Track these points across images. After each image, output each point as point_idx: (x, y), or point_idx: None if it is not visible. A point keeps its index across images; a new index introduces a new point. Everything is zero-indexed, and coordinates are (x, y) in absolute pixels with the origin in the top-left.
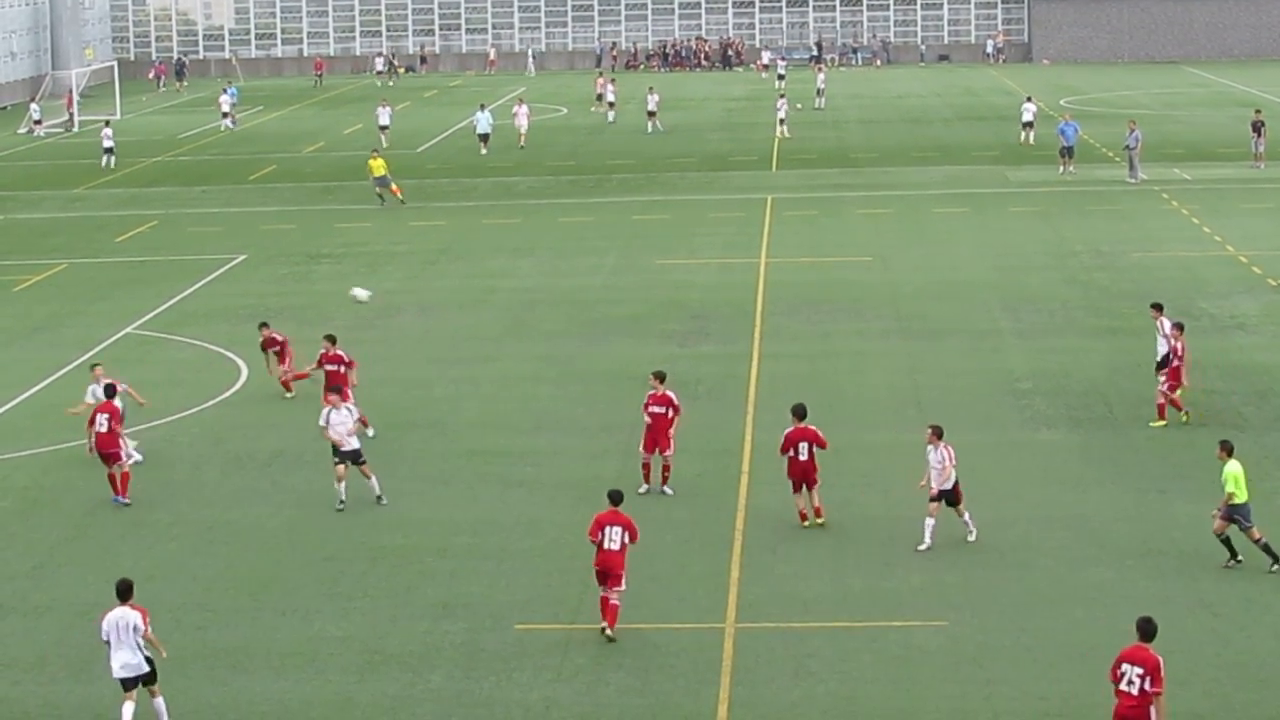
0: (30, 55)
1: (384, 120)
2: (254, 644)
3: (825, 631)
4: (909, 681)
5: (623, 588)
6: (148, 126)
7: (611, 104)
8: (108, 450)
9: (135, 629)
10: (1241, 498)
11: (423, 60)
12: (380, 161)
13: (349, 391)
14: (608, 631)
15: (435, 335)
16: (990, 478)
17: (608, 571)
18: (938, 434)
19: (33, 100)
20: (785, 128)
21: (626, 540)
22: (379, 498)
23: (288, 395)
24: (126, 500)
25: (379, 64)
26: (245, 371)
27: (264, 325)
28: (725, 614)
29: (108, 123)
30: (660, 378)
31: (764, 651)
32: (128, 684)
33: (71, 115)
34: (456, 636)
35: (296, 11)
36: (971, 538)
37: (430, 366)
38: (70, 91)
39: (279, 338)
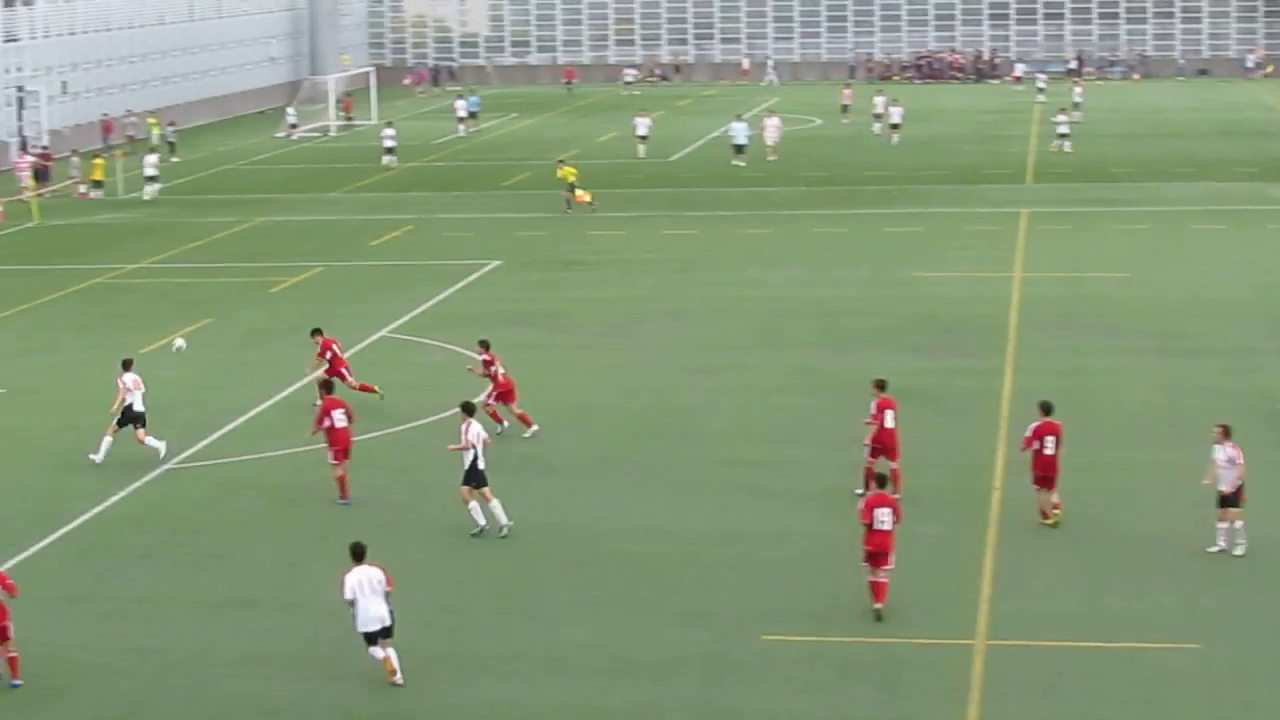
0: (289, 60)
1: (641, 130)
2: (502, 648)
3: (1076, 650)
4: (1162, 704)
5: (890, 566)
6: (404, 132)
7: (896, 126)
8: (344, 445)
9: (381, 582)
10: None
11: (676, 69)
12: (570, 169)
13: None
14: (878, 608)
15: (686, 344)
16: (1248, 498)
17: (880, 552)
18: (1226, 433)
19: (290, 104)
20: (1068, 142)
21: (894, 521)
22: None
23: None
24: (333, 499)
25: (628, 75)
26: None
27: (316, 332)
28: (975, 630)
29: (390, 123)
30: (881, 385)
31: (1013, 669)
32: (377, 636)
33: (348, 119)
34: (704, 645)
35: (551, 19)
36: (1239, 550)
37: (681, 375)
38: (347, 95)
39: (328, 344)
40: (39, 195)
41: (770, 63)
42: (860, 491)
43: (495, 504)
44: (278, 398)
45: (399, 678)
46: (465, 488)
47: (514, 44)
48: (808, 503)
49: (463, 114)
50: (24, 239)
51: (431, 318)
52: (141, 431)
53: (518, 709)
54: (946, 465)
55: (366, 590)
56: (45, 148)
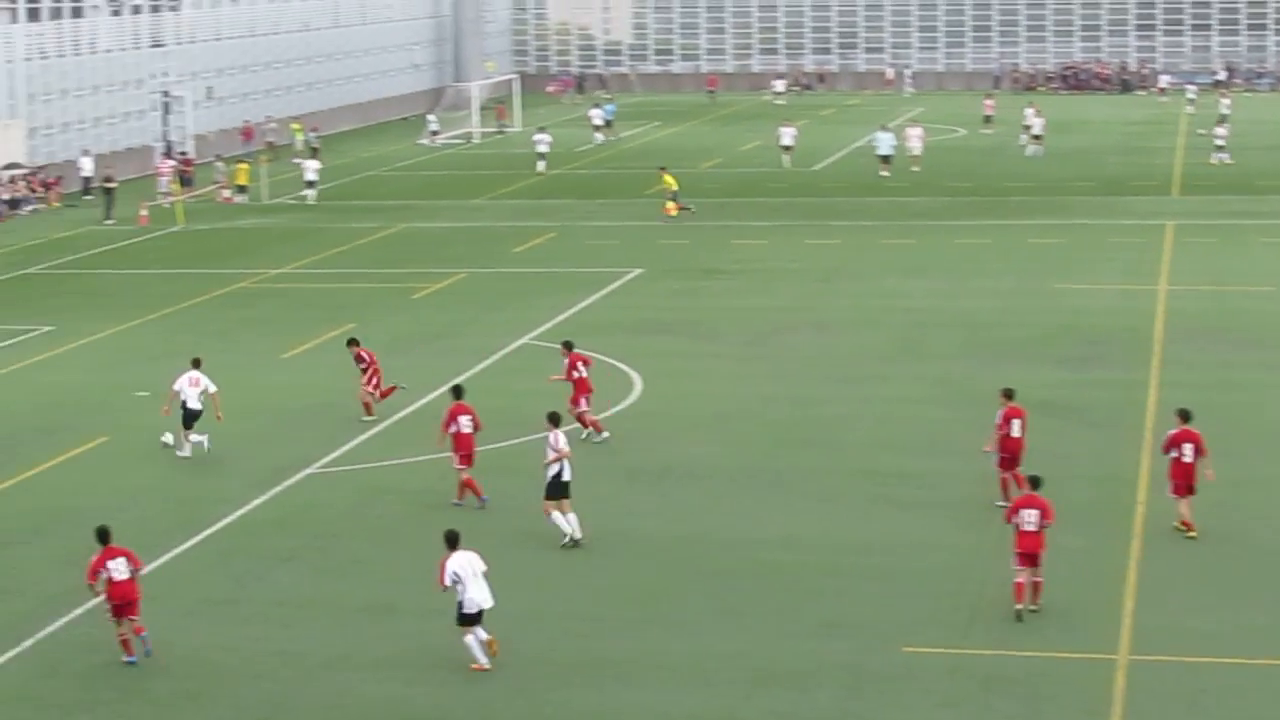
0: (433, 67)
1: (786, 140)
2: (642, 655)
3: (1221, 667)
4: None
5: (1038, 567)
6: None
7: (1038, 136)
8: (468, 450)
9: (476, 566)
10: None
11: (820, 79)
12: (671, 178)
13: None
14: (1031, 608)
15: (827, 353)
16: None
17: (1028, 553)
18: None
19: (431, 111)
20: (1227, 154)
21: (1043, 522)
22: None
23: (365, 418)
24: (468, 504)
25: (777, 85)
26: (639, 384)
27: (353, 342)
28: (1118, 644)
29: (543, 129)
30: (1009, 395)
31: (1157, 685)
32: (476, 619)
33: (502, 126)
34: (843, 656)
35: (694, 28)
36: None
37: (822, 385)
38: (500, 103)
39: (366, 355)
40: (183, 200)
41: (907, 72)
42: (1001, 503)
43: (571, 516)
44: (419, 403)
45: (486, 663)
46: (548, 501)
47: (657, 52)
48: (948, 514)
49: (599, 122)
50: (168, 243)
51: (573, 325)
52: (186, 432)
53: (657, 717)
54: (1089, 478)
55: (470, 574)
56: (185, 153)
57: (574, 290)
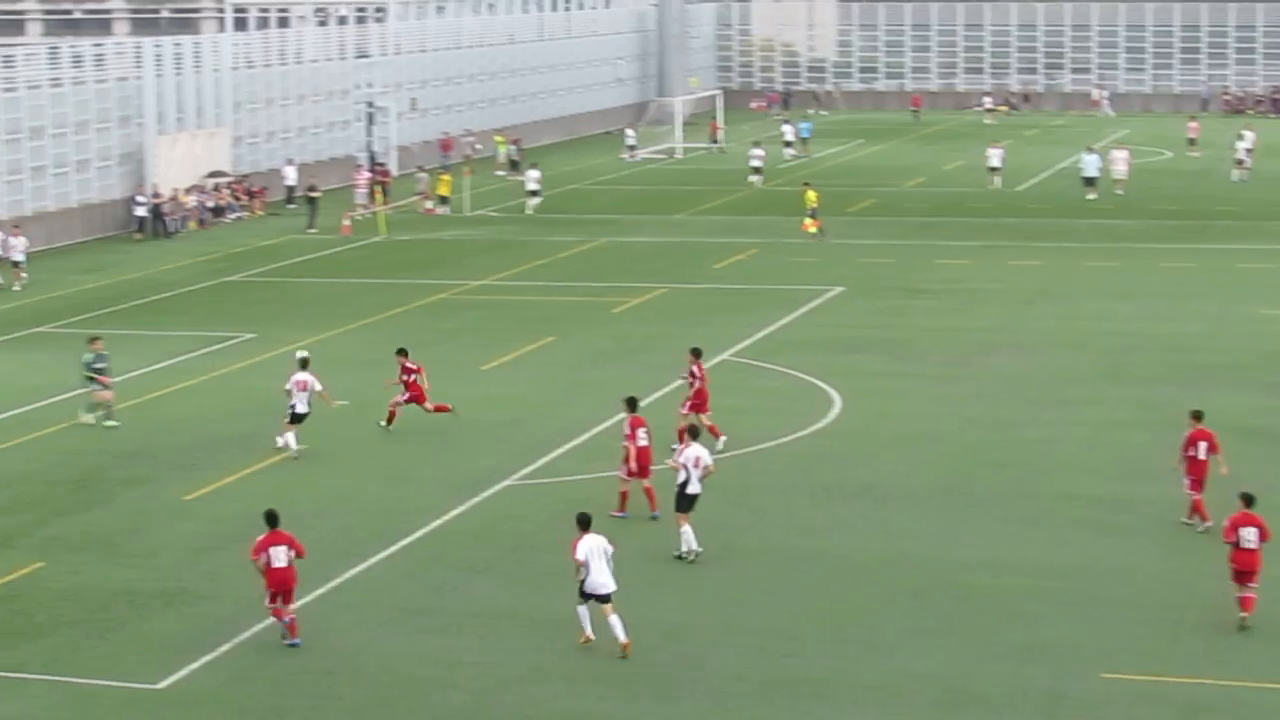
0: (637, 82)
1: (994, 162)
2: (837, 675)
3: None
4: None
5: (1256, 584)
6: (741, 156)
7: (1240, 161)
8: (644, 463)
9: (607, 551)
10: None
11: (1025, 98)
12: (813, 193)
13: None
14: (1243, 617)
15: (1030, 376)
16: None
17: (1247, 570)
18: None
19: (630, 126)
20: None
21: (1261, 540)
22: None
23: (383, 424)
24: (656, 513)
25: (987, 102)
26: (839, 402)
27: (401, 352)
28: None
29: (758, 143)
30: (1197, 417)
31: None
32: (604, 599)
33: (713, 141)
34: (1040, 681)
35: (899, 46)
36: None
37: (1024, 407)
38: (713, 119)
39: (412, 367)
40: (385, 210)
41: (1105, 94)
42: (1186, 521)
43: (687, 529)
44: (618, 417)
45: (623, 639)
46: (678, 514)
47: (861, 70)
48: (1149, 539)
49: (790, 138)
50: (370, 253)
51: (773, 343)
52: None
53: None
54: None
55: (596, 556)
56: (383, 165)
57: (774, 307)
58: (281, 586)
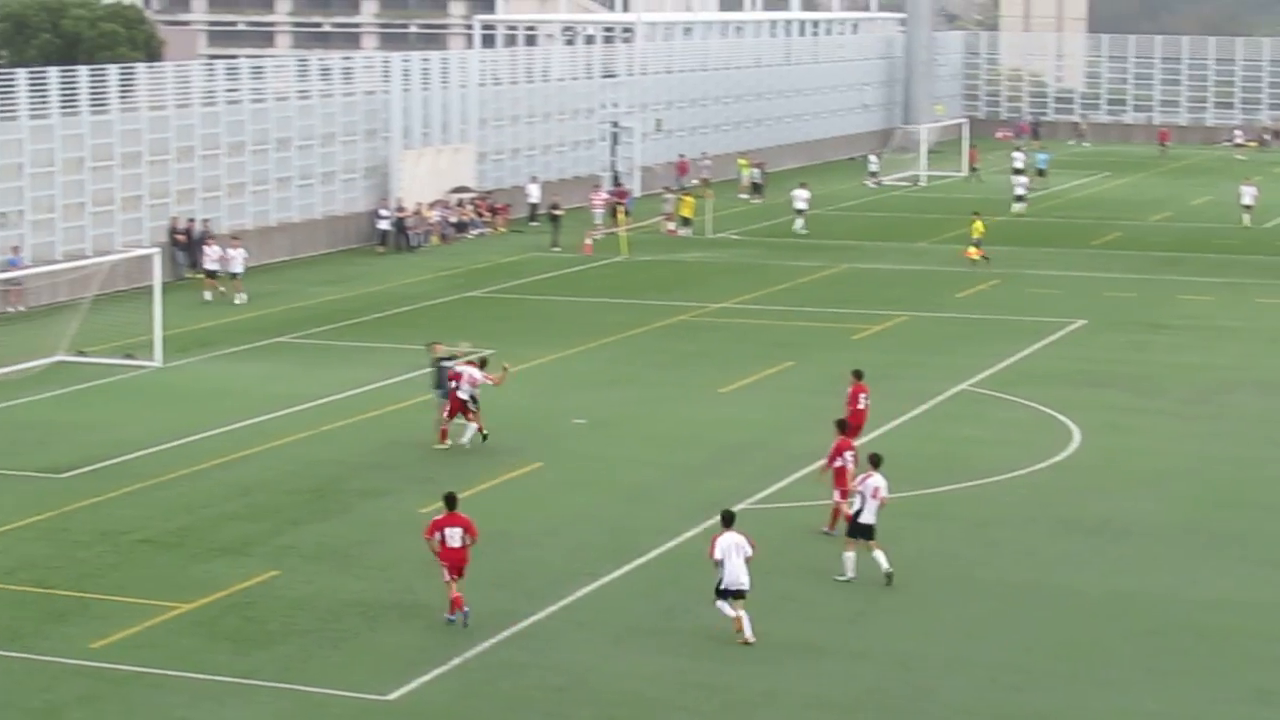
0: (882, 108)
1: (1247, 199)
2: (1067, 710)
3: None
4: None
5: None
6: (995, 185)
7: None
8: (845, 484)
9: (741, 548)
10: None
11: (1276, 134)
12: (980, 224)
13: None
14: None
15: (1273, 415)
16: None
17: None
18: None
19: (873, 152)
20: None
21: None
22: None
23: (439, 446)
24: (831, 532)
25: (1238, 136)
26: (1077, 436)
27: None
28: None
29: (1020, 171)
30: None
31: None
32: (734, 594)
33: (973, 169)
34: None
35: (1148, 79)
36: None
37: (1266, 446)
38: (973, 146)
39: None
40: (627, 230)
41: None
42: None
43: (850, 556)
44: (861, 443)
45: (748, 636)
46: (847, 539)
47: (1109, 102)
48: None
49: (1019, 165)
50: (612, 272)
51: (1013, 374)
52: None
53: None
54: None
55: (733, 554)
56: (620, 186)
57: (1015, 339)
58: (454, 564)
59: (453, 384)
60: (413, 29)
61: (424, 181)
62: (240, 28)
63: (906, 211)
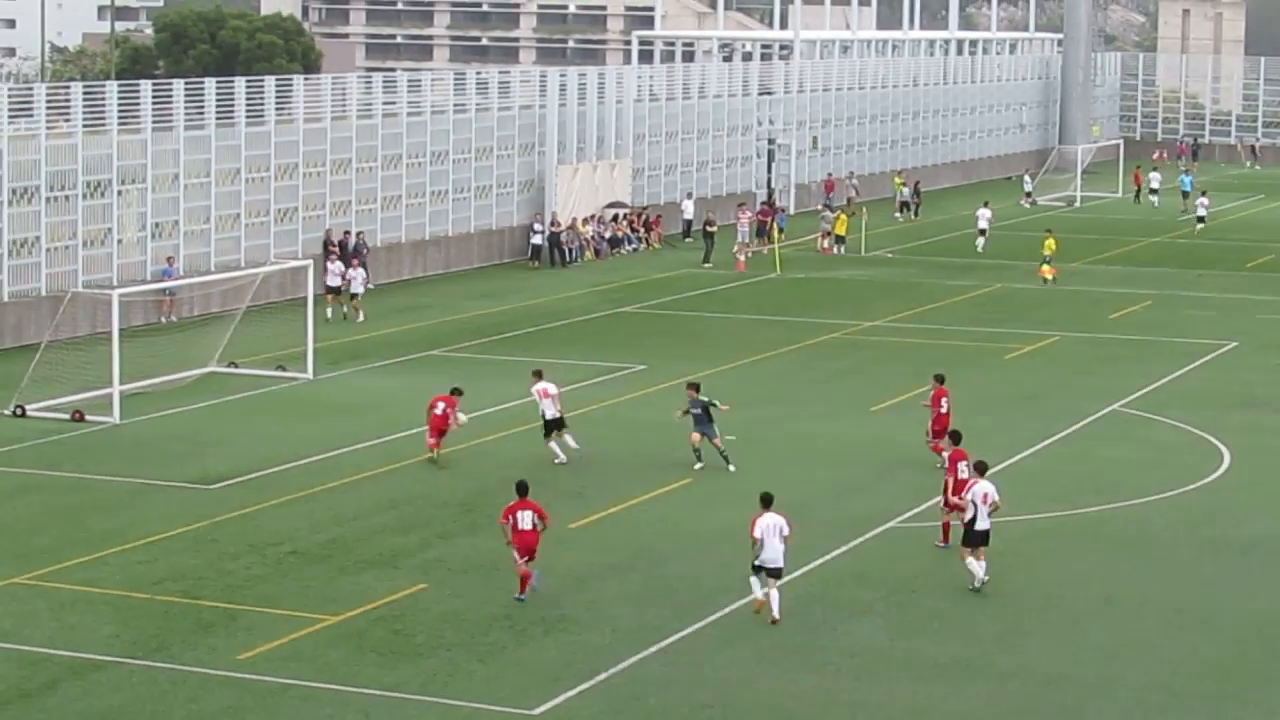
0: (1038, 129)
1: None
2: None
3: None
4: None
5: None
6: (1142, 208)
7: None
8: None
9: (779, 529)
10: None
11: None
12: (1052, 241)
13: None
14: None
15: None
16: None
17: None
18: None
19: (1026, 172)
20: None
21: None
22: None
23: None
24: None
25: None
26: (1228, 458)
27: (457, 392)
28: None
29: (1204, 192)
30: None
31: None
32: (773, 573)
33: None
34: None
35: None
36: None
37: None
38: (1137, 167)
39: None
40: (780, 247)
41: None
42: None
43: (973, 562)
44: (1004, 464)
45: (775, 614)
46: (964, 548)
47: (1266, 124)
48: None
49: (1155, 185)
50: (765, 289)
51: (1165, 395)
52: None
53: None
54: None
55: (771, 533)
56: (766, 203)
57: (1167, 359)
58: (525, 546)
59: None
60: (571, 44)
61: (579, 196)
62: (399, 41)
63: (1062, 232)
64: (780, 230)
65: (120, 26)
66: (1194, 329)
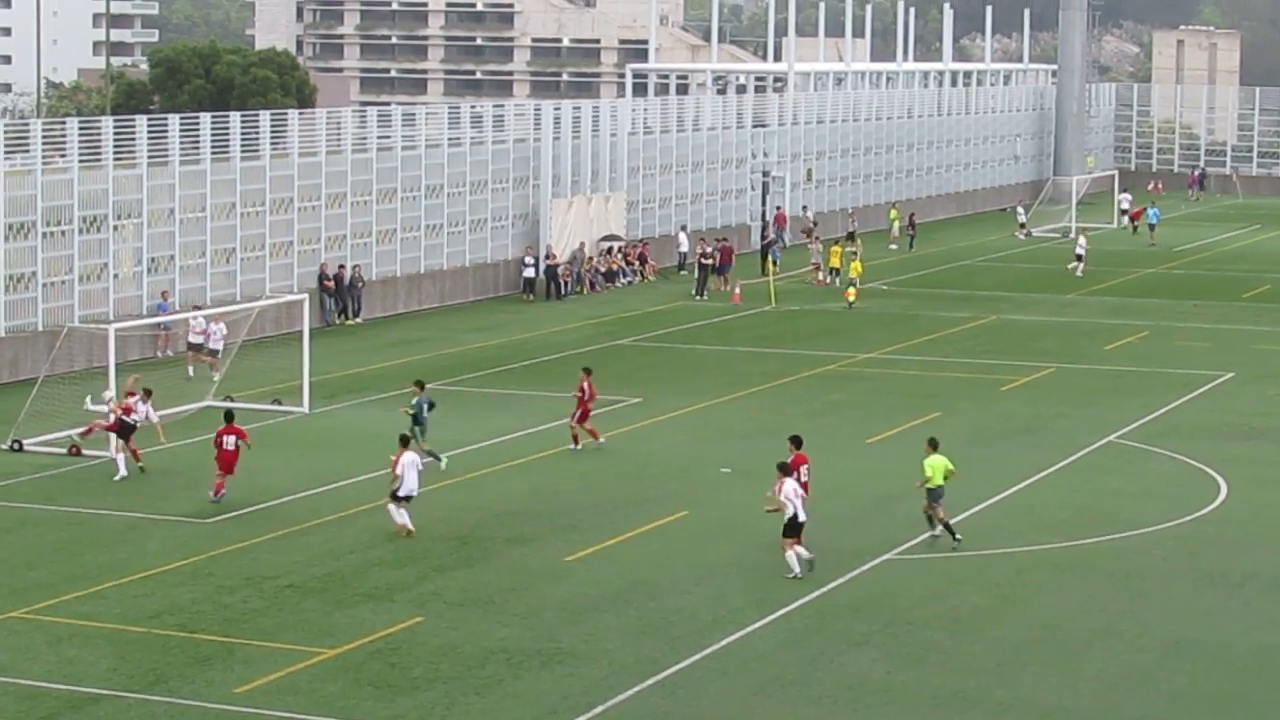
0: (1033, 160)
1: None
2: None
3: None
4: None
5: None
6: (1143, 236)
7: None
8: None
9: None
10: (936, 482)
11: None
12: (857, 264)
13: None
14: None
15: None
16: None
17: None
18: None
19: (1020, 204)
20: None
21: None
22: None
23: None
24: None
25: None
26: (1224, 489)
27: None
28: None
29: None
30: None
31: None
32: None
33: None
34: None
35: None
36: None
37: None
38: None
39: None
40: (775, 280)
41: None
42: None
43: (792, 555)
44: (1000, 496)
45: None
46: (785, 539)
47: (1261, 154)
48: None
49: (1125, 206)
50: (760, 321)
51: (1161, 426)
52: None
53: None
54: None
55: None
56: (764, 236)
57: (1163, 391)
58: (227, 464)
59: None
60: (565, 77)
61: (574, 229)
62: (393, 75)
63: (1056, 263)
64: (774, 263)
65: (116, 62)
66: (1190, 360)
